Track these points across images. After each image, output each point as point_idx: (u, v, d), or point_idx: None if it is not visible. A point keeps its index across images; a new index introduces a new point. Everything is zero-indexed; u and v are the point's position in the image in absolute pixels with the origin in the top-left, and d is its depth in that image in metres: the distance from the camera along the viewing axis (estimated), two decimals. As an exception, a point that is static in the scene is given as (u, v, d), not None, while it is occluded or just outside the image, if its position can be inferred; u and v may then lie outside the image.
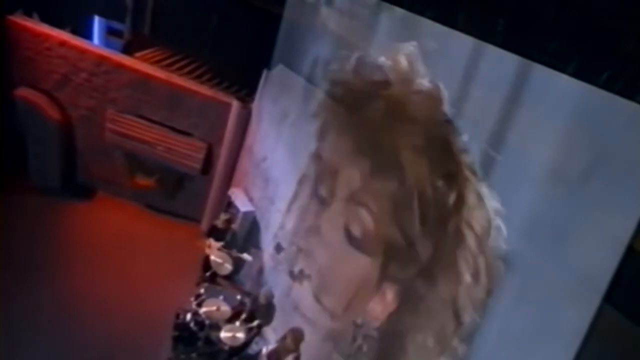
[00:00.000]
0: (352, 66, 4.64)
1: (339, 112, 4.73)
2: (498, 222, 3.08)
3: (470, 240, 3.24)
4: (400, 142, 3.79)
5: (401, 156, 3.75)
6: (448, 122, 3.53)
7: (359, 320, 4.22)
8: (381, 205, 3.85)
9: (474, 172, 3.31)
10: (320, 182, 4.72)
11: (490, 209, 3.17)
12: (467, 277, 3.22)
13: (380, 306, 3.99)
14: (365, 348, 4.10)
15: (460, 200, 3.34)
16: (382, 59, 4.21)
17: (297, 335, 4.91)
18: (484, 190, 3.22)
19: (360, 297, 4.16)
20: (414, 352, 3.62)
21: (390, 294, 3.92)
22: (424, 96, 3.72)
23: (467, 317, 3.23)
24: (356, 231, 3.99)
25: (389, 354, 3.92)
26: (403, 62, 3.93)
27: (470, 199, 3.29)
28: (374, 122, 4.13)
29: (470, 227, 3.27)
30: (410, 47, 3.91)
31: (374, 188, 3.92)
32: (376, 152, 3.99)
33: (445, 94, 3.57)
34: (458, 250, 3.29)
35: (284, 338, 4.98)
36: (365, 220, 3.95)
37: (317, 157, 5.08)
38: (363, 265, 4.04)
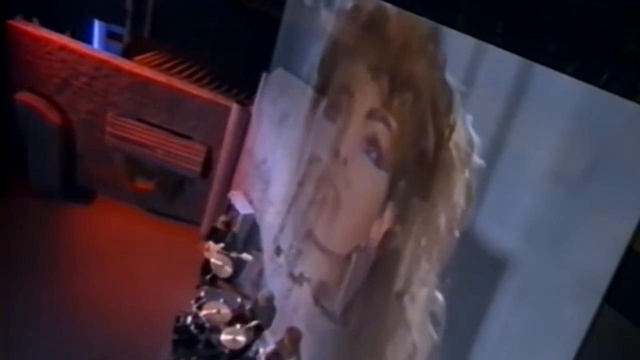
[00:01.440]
0: None
1: (349, 36, 4.87)
2: (474, 137, 3.37)
3: (457, 158, 3.48)
4: (414, 63, 3.95)
5: (416, 74, 3.90)
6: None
7: (360, 245, 4.35)
8: (400, 121, 4.01)
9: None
10: (335, 105, 4.91)
11: (469, 129, 3.42)
12: (457, 190, 3.44)
13: (377, 226, 4.13)
14: (361, 261, 4.26)
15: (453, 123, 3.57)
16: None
17: (294, 336, 4.91)
18: (467, 116, 3.46)
19: (367, 218, 4.26)
20: (406, 265, 3.79)
21: (389, 213, 4.07)
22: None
23: (455, 230, 3.43)
24: (376, 145, 4.19)
25: (382, 268, 4.06)
26: None
27: (459, 122, 3.52)
28: (386, 44, 4.30)
29: (457, 146, 3.49)
30: None
31: (393, 104, 4.09)
32: (393, 70, 4.16)
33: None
34: (449, 168, 3.51)
35: (282, 340, 4.98)
36: (384, 135, 4.14)
37: (322, 87, 5.19)
38: (378, 181, 4.15)
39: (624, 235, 2.48)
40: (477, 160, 3.32)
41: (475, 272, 3.30)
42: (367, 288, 4.16)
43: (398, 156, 4.00)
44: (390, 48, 4.23)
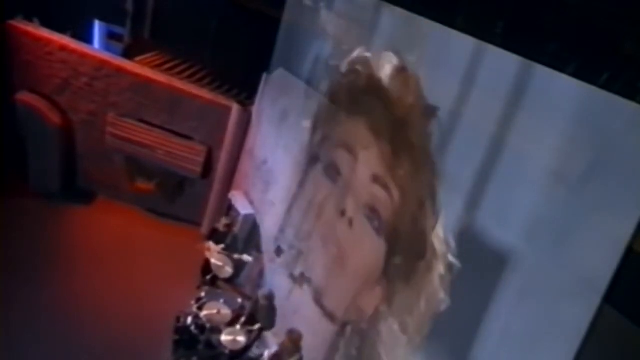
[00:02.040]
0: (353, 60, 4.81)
1: (347, 95, 4.88)
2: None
3: (439, 251, 3.58)
4: (412, 133, 3.99)
5: (415, 146, 3.93)
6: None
7: (353, 317, 4.39)
8: (401, 191, 4.04)
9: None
10: (335, 164, 4.90)
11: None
12: (437, 284, 3.55)
13: (371, 300, 4.17)
14: (355, 341, 4.31)
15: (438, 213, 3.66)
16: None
17: (295, 336, 4.91)
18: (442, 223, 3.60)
19: (366, 287, 4.30)
20: (388, 337, 3.91)
21: (379, 288, 4.12)
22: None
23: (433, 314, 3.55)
24: (377, 213, 4.22)
25: (369, 341, 4.14)
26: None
27: (441, 216, 3.63)
28: (386, 109, 4.32)
29: (439, 239, 3.59)
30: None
31: (396, 172, 4.10)
32: (394, 136, 4.18)
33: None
34: (432, 257, 3.62)
35: (283, 342, 4.98)
36: (386, 203, 4.17)
37: (330, 144, 5.16)
38: (378, 250, 4.17)
39: (624, 235, 2.48)
40: (452, 259, 3.48)
41: (475, 272, 3.30)
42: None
43: (396, 228, 4.07)
44: (390, 114, 4.27)
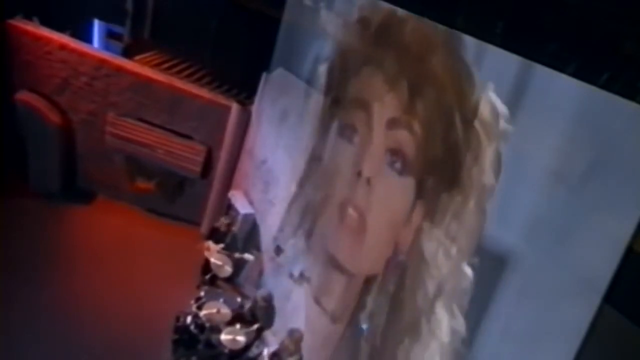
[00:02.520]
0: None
1: (359, 48, 4.76)
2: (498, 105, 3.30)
3: (484, 134, 3.38)
4: (433, 65, 3.85)
5: (436, 71, 3.81)
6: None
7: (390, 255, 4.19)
8: (425, 123, 3.90)
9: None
10: (351, 124, 4.77)
11: (492, 98, 3.34)
12: (487, 167, 3.34)
13: (408, 229, 3.98)
14: (390, 282, 4.11)
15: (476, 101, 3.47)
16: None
17: (295, 336, 4.91)
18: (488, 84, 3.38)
19: (396, 229, 4.13)
20: (434, 255, 3.68)
21: (418, 213, 3.92)
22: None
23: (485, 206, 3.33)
24: (400, 155, 4.06)
25: (410, 271, 3.93)
26: None
27: (482, 96, 3.43)
28: (401, 50, 4.21)
29: (483, 122, 3.39)
30: None
31: (416, 108, 3.97)
32: (412, 74, 4.05)
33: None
34: (476, 148, 3.42)
35: (283, 341, 4.99)
36: (408, 142, 4.00)
37: (334, 104, 5.11)
38: (405, 190, 4.02)
39: (624, 235, 2.48)
40: (504, 126, 3.25)
41: (474, 272, 3.30)
42: (396, 296, 4.04)
43: (425, 158, 3.91)
44: (406, 53, 4.14)
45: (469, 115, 3.49)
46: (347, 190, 4.66)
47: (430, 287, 3.65)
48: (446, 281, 3.54)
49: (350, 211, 4.59)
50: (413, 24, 4.12)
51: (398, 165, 4.09)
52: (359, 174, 4.51)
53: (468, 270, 3.38)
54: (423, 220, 3.83)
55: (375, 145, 4.38)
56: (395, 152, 4.14)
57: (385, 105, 4.29)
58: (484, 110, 3.38)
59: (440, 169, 3.74)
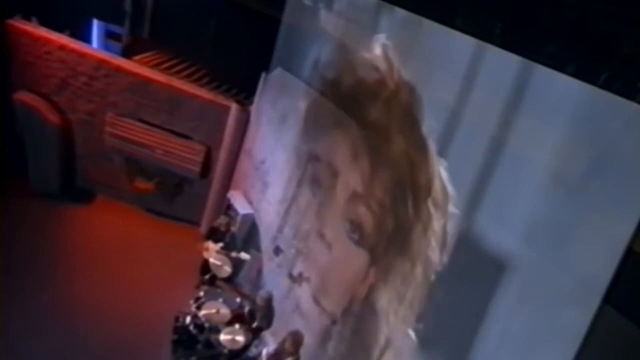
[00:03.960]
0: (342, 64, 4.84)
1: (332, 112, 4.89)
2: (449, 189, 3.55)
3: (434, 212, 3.65)
4: (395, 145, 4.06)
5: (397, 156, 4.02)
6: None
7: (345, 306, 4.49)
8: (381, 202, 4.13)
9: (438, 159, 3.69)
10: (318, 179, 4.99)
11: (444, 181, 3.61)
12: (433, 242, 3.62)
13: (363, 285, 4.27)
14: (349, 324, 4.42)
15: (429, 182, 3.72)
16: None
17: (296, 339, 4.91)
18: (444, 173, 3.62)
19: (352, 289, 4.40)
20: (383, 312, 3.99)
21: (372, 273, 4.22)
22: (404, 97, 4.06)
23: (431, 276, 3.62)
24: (359, 229, 4.32)
25: (364, 321, 4.22)
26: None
27: (435, 177, 3.68)
28: (369, 122, 4.40)
29: (434, 201, 3.66)
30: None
31: (374, 186, 4.21)
32: (374, 152, 4.27)
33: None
34: (426, 223, 3.69)
35: (283, 341, 4.98)
36: (367, 218, 4.28)
37: (314, 158, 5.19)
38: (360, 259, 4.30)
39: (624, 236, 2.48)
40: (453, 210, 3.52)
41: (474, 273, 3.30)
42: (352, 341, 4.43)
43: (380, 232, 4.19)
44: (373, 128, 4.38)
45: (422, 194, 3.77)
46: (311, 246, 5.08)
47: (381, 338, 4.00)
48: (394, 338, 3.88)
49: (312, 267, 5.04)
50: (382, 100, 4.31)
51: (356, 236, 4.43)
52: (322, 236, 4.89)
53: (412, 334, 3.69)
54: (376, 279, 4.16)
55: (337, 213, 4.71)
56: (354, 225, 4.47)
57: (350, 176, 4.58)
58: (436, 190, 3.66)
59: (392, 239, 4.04)
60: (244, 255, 5.94)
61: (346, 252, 4.48)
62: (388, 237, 4.04)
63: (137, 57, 7.27)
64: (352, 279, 4.35)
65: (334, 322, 4.61)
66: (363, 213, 4.31)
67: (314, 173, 5.08)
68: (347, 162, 4.56)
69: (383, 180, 4.15)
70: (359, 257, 4.30)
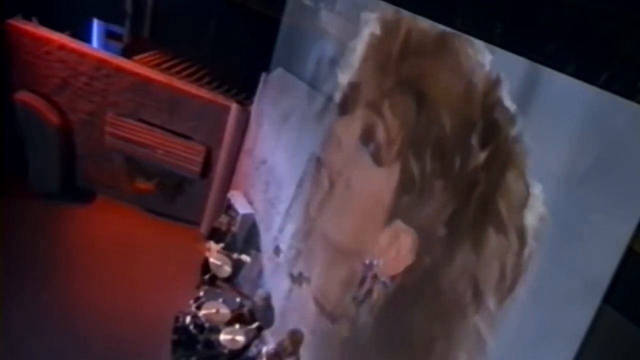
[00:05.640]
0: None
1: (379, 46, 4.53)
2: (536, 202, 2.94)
3: (503, 210, 3.09)
4: (434, 79, 3.67)
5: (427, 87, 3.66)
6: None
7: (367, 261, 4.13)
8: (398, 122, 3.81)
9: (519, 151, 3.10)
10: (347, 96, 4.75)
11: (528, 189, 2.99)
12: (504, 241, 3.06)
13: (396, 259, 3.82)
14: (375, 294, 4.02)
15: (493, 169, 3.19)
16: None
17: (296, 338, 4.91)
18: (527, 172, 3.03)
19: (370, 223, 4.08)
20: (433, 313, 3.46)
21: (406, 242, 3.74)
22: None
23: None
24: (371, 138, 4.07)
25: (403, 309, 3.74)
26: None
27: (510, 175, 3.11)
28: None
29: (505, 199, 3.10)
30: None
31: (393, 101, 3.90)
32: (398, 73, 3.97)
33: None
34: (489, 218, 3.15)
35: (283, 341, 4.98)
36: (379, 131, 3.99)
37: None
38: (375, 177, 3.96)
39: (624, 236, 2.48)
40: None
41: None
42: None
43: (396, 160, 3.80)
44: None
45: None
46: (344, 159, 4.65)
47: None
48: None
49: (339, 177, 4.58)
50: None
51: (370, 149, 4.13)
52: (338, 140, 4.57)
53: None
54: (413, 256, 3.68)
55: (351, 118, 4.47)
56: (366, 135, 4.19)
57: (370, 87, 4.29)
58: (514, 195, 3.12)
59: (418, 194, 3.62)
60: (244, 258, 5.95)
61: (359, 159, 4.21)
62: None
63: (137, 57, 7.27)
64: (369, 200, 3.99)
65: (333, 322, 4.60)
66: (378, 125, 4.00)
67: (347, 91, 4.82)
68: (372, 76, 4.30)
69: (402, 101, 3.81)
70: (373, 173, 4.00)
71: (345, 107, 4.72)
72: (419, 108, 3.71)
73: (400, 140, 3.86)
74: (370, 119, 4.19)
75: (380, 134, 4.01)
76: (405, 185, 3.79)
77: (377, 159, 4.04)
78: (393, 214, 3.90)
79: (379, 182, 4.01)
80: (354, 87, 4.63)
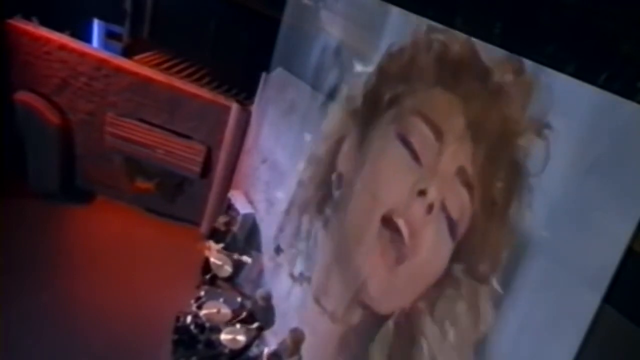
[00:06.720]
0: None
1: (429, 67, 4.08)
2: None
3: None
4: (505, 127, 3.32)
5: (511, 147, 3.28)
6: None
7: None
8: (485, 193, 3.43)
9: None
10: (408, 131, 4.13)
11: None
12: None
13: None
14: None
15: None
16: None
17: (297, 337, 4.91)
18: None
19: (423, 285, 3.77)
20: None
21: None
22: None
23: None
24: (453, 210, 3.58)
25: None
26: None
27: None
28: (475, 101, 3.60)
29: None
30: None
31: (484, 172, 3.46)
32: (486, 135, 3.49)
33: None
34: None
35: (284, 340, 4.99)
36: (464, 202, 3.54)
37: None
38: (445, 252, 3.61)
39: (624, 235, 2.47)
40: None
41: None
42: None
43: (468, 234, 3.52)
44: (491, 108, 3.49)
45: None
46: (402, 200, 4.04)
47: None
48: None
49: (401, 222, 3.98)
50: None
51: (447, 222, 3.63)
52: (422, 192, 3.86)
53: None
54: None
55: (442, 179, 3.76)
56: (446, 207, 3.65)
57: (461, 147, 3.64)
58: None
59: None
60: (245, 259, 5.95)
61: (439, 231, 3.69)
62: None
63: (137, 57, 7.27)
64: (430, 271, 3.68)
65: (334, 322, 4.60)
66: (463, 196, 3.54)
67: (402, 125, 4.26)
68: (457, 131, 3.71)
69: (494, 171, 3.40)
70: (446, 250, 3.60)
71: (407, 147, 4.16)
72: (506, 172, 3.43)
73: (481, 211, 3.52)
74: (453, 190, 3.66)
75: (463, 211, 3.57)
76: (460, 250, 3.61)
77: (453, 230, 3.62)
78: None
79: (445, 252, 3.67)
80: (430, 131, 3.97)
